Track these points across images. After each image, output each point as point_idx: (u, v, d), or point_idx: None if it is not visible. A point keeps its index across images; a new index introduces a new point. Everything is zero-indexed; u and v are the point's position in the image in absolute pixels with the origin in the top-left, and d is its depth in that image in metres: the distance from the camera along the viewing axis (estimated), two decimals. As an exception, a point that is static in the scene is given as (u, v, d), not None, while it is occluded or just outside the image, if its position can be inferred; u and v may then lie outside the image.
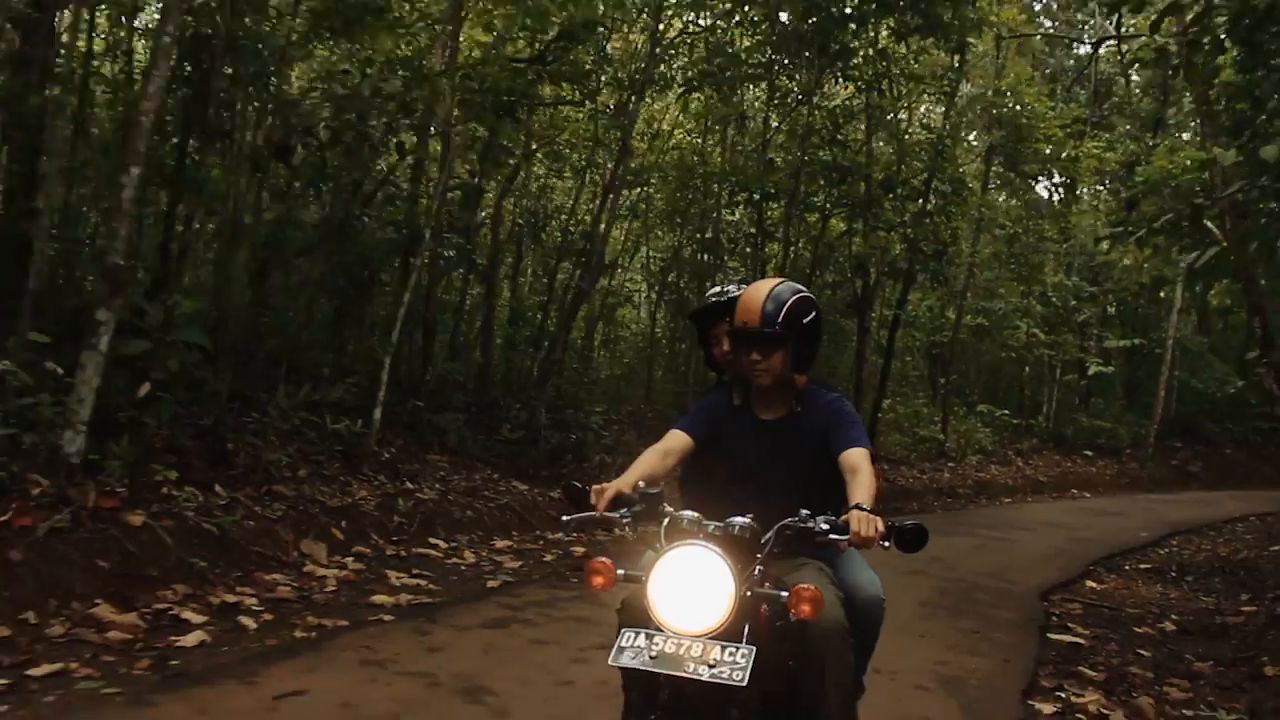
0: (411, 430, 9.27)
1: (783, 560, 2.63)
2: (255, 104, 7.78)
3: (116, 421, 5.79)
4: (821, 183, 14.39)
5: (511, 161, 11.63)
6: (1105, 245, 12.72)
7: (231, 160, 7.54)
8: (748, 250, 15.71)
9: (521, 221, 13.90)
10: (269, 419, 7.24)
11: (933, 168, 14.45)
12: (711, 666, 2.20)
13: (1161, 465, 22.71)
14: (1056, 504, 17.32)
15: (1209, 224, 7.62)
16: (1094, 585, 8.35)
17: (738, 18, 12.66)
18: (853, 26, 12.18)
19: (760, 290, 2.83)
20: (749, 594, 2.33)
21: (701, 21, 12.86)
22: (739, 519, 2.46)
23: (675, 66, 12.95)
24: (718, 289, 3.35)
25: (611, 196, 11.76)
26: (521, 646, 4.96)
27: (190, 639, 4.51)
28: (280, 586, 5.65)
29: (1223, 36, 6.18)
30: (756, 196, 13.86)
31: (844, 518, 2.41)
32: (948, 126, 15.52)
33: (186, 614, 4.87)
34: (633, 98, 11.54)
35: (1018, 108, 16.60)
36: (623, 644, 2.29)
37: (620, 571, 2.43)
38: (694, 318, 3.47)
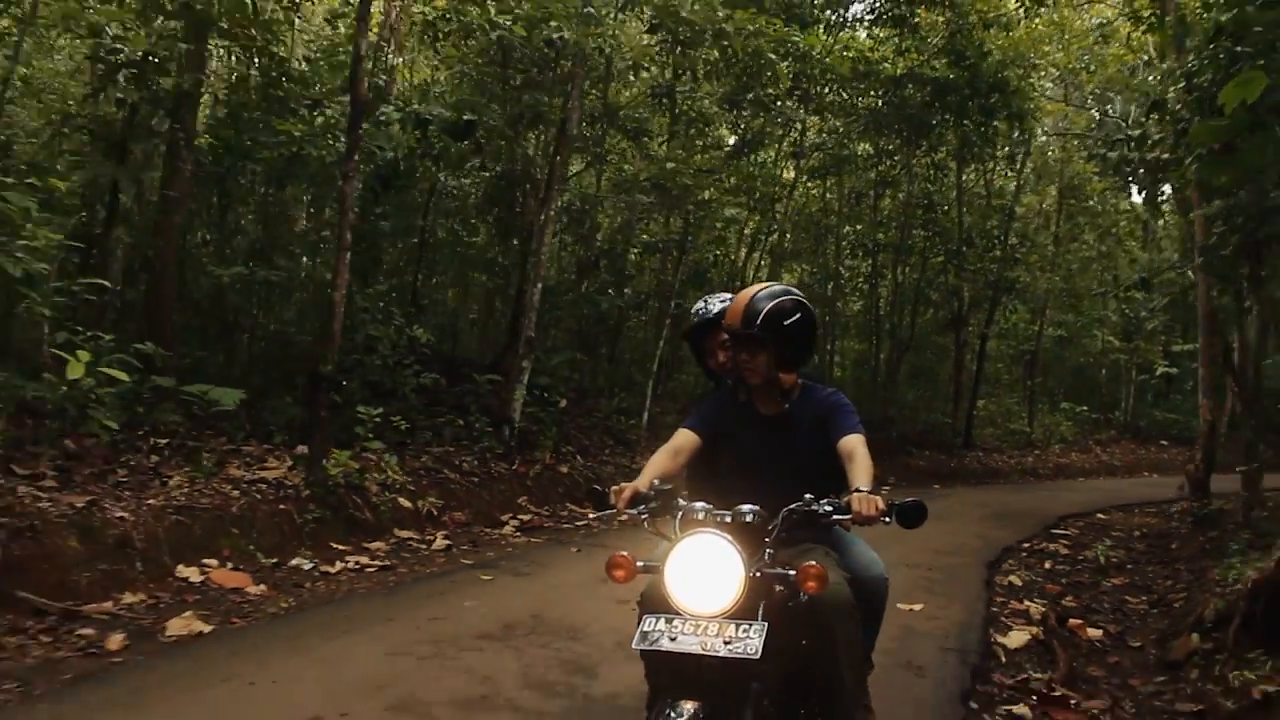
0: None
1: (789, 546, 2.80)
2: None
3: (538, 418, 11.11)
4: (919, 233, 19.16)
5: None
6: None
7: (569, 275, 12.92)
8: (864, 286, 20.56)
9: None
10: (591, 421, 12.54)
11: (1004, 226, 19.09)
12: (728, 643, 2.39)
13: (1231, 451, 26.26)
14: (1122, 480, 21.19)
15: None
16: (1102, 516, 12.90)
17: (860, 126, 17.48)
18: (934, 121, 16.83)
19: (745, 296, 3.06)
20: (759, 575, 2.50)
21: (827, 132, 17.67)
22: (747, 507, 2.69)
23: (806, 164, 17.76)
24: (701, 305, 3.57)
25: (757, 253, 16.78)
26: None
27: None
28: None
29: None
30: (870, 246, 18.75)
31: (846, 499, 2.64)
32: (1015, 193, 20.12)
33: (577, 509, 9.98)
34: (777, 196, 16.51)
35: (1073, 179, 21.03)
36: (644, 629, 2.47)
37: (639, 563, 2.59)
38: (689, 338, 3.68)
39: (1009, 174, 20.36)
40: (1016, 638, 5.80)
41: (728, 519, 2.64)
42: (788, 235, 20.25)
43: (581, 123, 11.47)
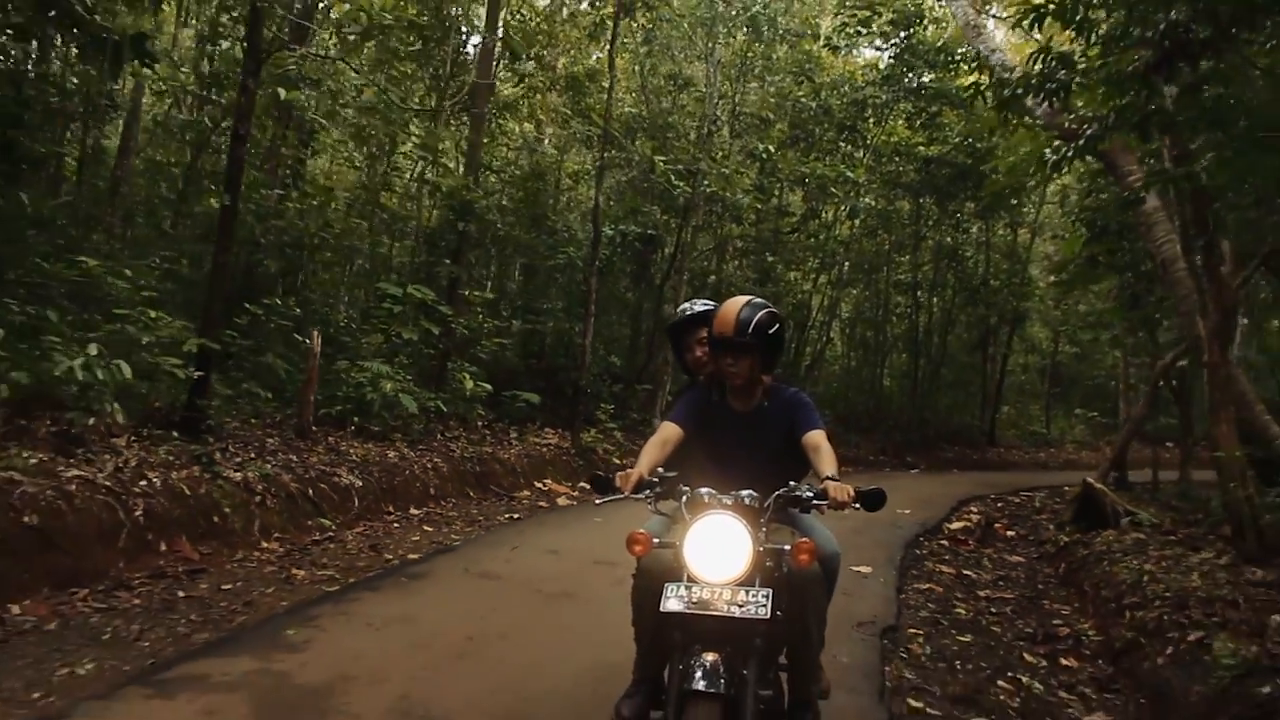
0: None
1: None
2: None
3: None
4: (949, 274, 24.48)
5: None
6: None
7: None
8: (906, 313, 25.91)
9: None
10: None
11: (1015, 269, 24.36)
12: (740, 606, 2.82)
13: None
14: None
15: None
16: (1067, 488, 18.08)
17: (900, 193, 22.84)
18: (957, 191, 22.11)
19: (734, 307, 3.36)
20: (761, 550, 2.94)
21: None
22: (745, 491, 3.12)
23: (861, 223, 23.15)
24: (687, 305, 3.91)
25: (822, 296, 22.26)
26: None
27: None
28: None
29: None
30: (909, 283, 24.13)
31: (821, 486, 3.06)
32: (1029, 241, 25.34)
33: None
34: (834, 250, 21.96)
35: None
36: (667, 595, 2.86)
37: (655, 540, 3.04)
38: (670, 330, 3.98)
39: (1021, 228, 25.59)
40: (958, 524, 11.29)
41: (729, 501, 3.05)
42: (845, 269, 25.76)
43: (700, 212, 17.07)
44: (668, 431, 3.40)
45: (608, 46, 14.21)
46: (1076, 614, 7.36)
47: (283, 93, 8.92)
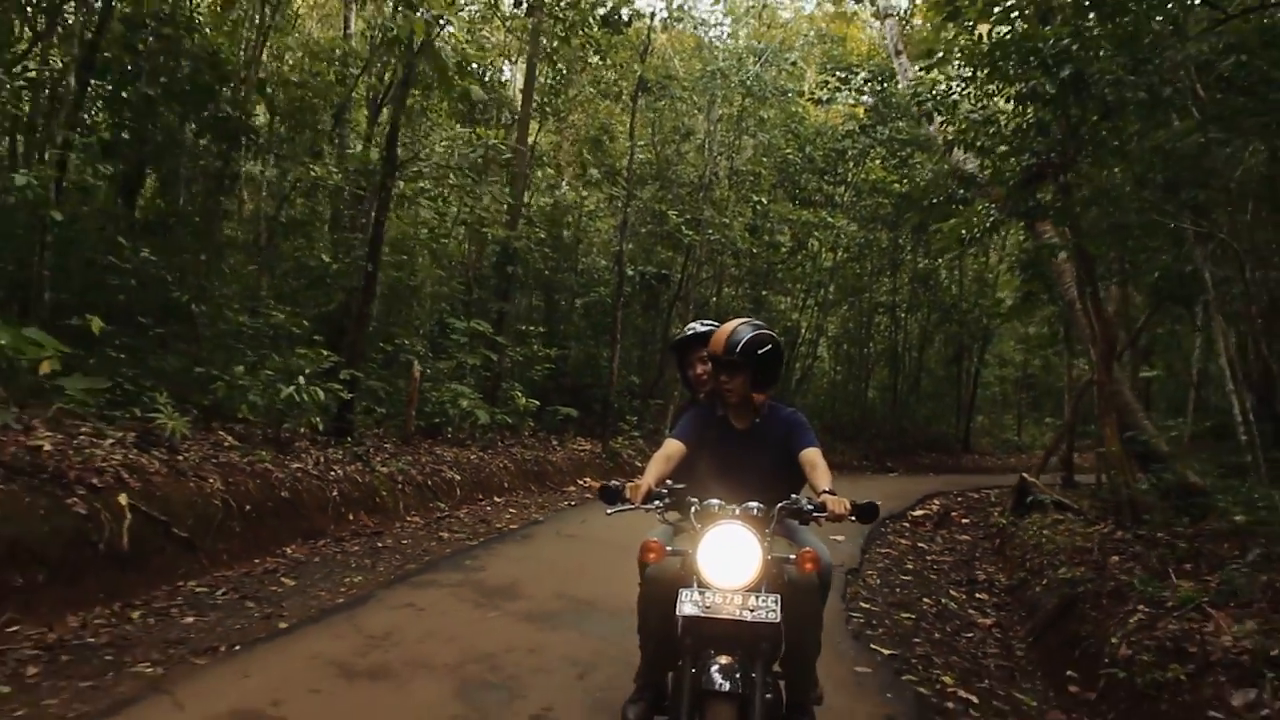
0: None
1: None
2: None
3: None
4: (923, 296, 27.27)
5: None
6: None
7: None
8: (887, 332, 28.66)
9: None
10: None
11: (978, 293, 27.17)
12: (752, 611, 3.00)
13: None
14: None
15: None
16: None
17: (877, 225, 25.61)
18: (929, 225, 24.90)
19: (726, 328, 3.66)
20: (770, 558, 3.12)
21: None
22: (752, 503, 3.29)
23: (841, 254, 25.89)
24: (692, 325, 4.18)
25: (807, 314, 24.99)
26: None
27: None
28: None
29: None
30: (889, 304, 26.90)
31: (820, 499, 3.28)
32: (989, 266, 28.16)
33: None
34: (820, 280, 24.68)
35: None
36: (682, 599, 3.04)
37: (668, 549, 3.25)
38: (673, 348, 4.24)
39: (991, 253, 28.45)
40: (920, 512, 13.97)
41: (738, 512, 3.22)
42: (831, 291, 28.53)
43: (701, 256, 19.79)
44: (671, 447, 3.63)
45: (623, 108, 17.00)
46: (996, 571, 10.01)
47: (401, 185, 11.69)
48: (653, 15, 16.92)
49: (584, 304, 18.15)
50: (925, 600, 8.01)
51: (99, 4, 8.36)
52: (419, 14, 7.30)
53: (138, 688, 4.24)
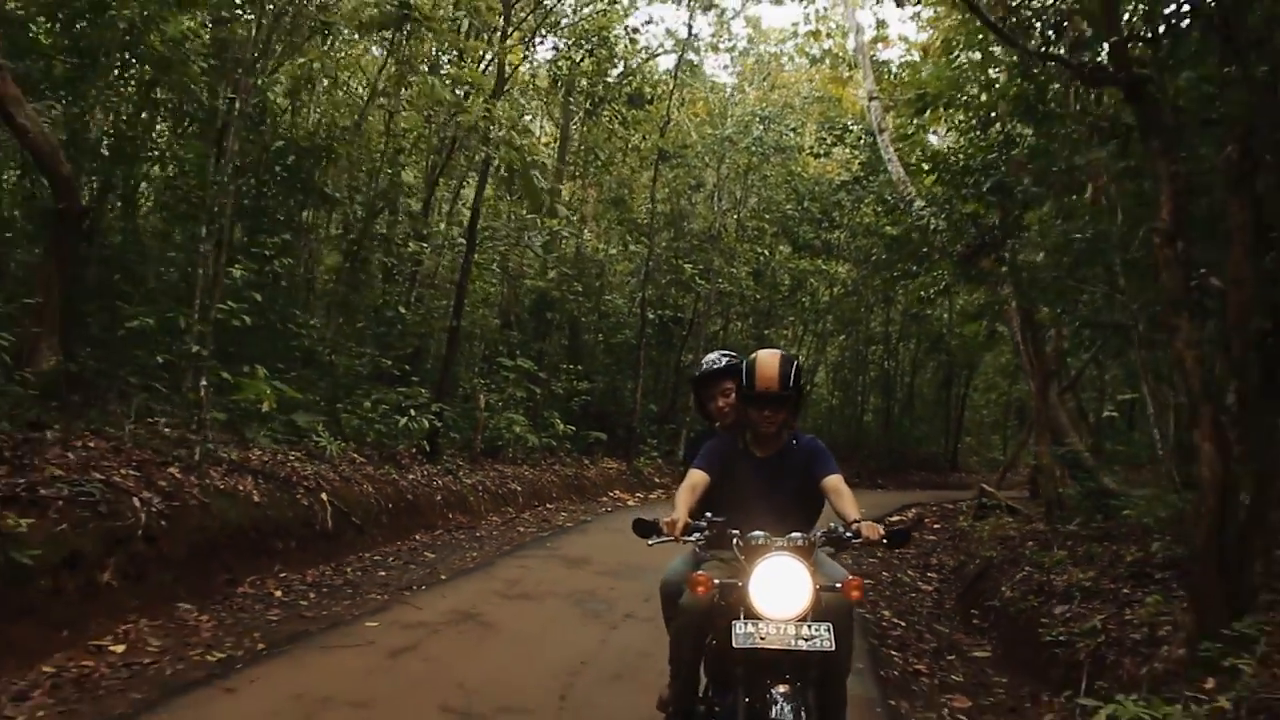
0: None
1: None
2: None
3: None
4: (914, 329, 29.96)
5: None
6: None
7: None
8: (881, 360, 31.34)
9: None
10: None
11: (962, 326, 29.86)
12: (807, 640, 3.06)
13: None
14: (1058, 491, 31.48)
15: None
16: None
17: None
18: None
19: (773, 362, 3.67)
20: (819, 587, 3.16)
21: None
22: (796, 534, 3.33)
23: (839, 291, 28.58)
24: (714, 357, 4.24)
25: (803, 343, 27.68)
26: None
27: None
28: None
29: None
30: (883, 335, 29.61)
31: (854, 526, 3.37)
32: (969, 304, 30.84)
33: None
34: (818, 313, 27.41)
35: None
36: (737, 632, 3.11)
37: (716, 581, 3.30)
38: (696, 381, 4.29)
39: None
40: (896, 518, 16.60)
41: (784, 543, 3.25)
42: (829, 322, 31.24)
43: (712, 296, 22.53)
44: (696, 478, 3.71)
45: (643, 163, 19.87)
46: (949, 559, 12.63)
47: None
48: (671, 93, 19.79)
49: (607, 341, 20.89)
50: (884, 574, 10.65)
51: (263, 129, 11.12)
52: (520, 147, 9.91)
53: (382, 602, 6.94)
